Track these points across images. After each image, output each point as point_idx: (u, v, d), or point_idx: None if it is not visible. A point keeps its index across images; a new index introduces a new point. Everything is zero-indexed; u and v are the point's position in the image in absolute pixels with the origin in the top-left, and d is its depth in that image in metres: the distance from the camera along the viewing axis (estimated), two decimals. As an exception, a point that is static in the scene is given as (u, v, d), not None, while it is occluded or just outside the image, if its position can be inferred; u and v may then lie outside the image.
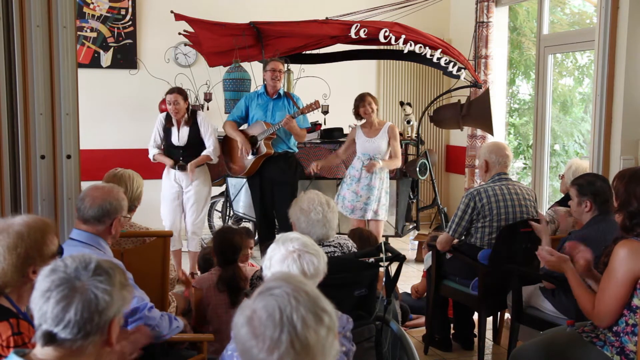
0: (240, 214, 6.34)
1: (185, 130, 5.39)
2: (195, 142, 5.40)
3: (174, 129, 5.41)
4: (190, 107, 5.51)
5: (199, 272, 4.32)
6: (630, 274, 2.55)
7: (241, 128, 5.53)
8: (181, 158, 5.39)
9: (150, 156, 5.49)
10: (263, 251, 2.37)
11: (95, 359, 1.56)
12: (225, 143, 5.65)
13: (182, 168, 5.38)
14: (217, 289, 3.46)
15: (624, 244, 2.61)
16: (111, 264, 1.59)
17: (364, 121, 5.55)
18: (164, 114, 5.49)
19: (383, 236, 6.05)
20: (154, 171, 5.60)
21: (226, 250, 3.56)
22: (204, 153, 5.39)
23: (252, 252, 3.72)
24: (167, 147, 5.44)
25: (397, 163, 5.59)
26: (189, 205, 5.45)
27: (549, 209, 4.25)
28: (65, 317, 1.49)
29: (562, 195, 4.34)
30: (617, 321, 2.63)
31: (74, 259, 1.56)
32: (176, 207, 5.46)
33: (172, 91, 5.35)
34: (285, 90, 6.00)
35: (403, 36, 5.73)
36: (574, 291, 2.80)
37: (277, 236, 2.30)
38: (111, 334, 1.55)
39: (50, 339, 1.50)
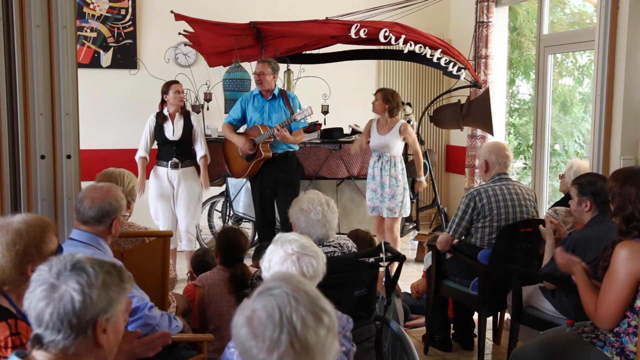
0: (240, 214, 6.35)
1: (180, 124, 5.41)
2: (188, 138, 5.43)
3: (168, 124, 5.42)
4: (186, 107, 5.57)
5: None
6: (631, 275, 2.54)
7: (239, 131, 5.52)
8: (174, 155, 5.40)
9: (137, 157, 5.46)
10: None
11: None
12: (225, 145, 5.64)
13: (176, 166, 5.39)
14: (226, 288, 3.48)
15: (624, 245, 2.60)
16: (98, 264, 1.55)
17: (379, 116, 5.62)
18: (154, 113, 5.51)
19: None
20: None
21: (231, 250, 3.59)
22: (200, 156, 5.45)
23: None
24: (161, 143, 5.45)
25: (420, 159, 5.66)
26: (181, 205, 5.46)
27: (549, 209, 4.24)
28: (44, 319, 1.47)
29: (562, 195, 4.33)
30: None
31: (60, 259, 1.54)
32: (169, 207, 5.47)
33: (176, 81, 5.47)
34: (284, 88, 6.00)
35: (403, 36, 5.73)
36: (580, 292, 2.78)
37: (276, 236, 2.29)
38: (98, 335, 1.51)
39: (38, 341, 1.49)
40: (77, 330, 1.48)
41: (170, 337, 2.47)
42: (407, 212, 5.67)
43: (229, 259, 3.58)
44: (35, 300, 1.49)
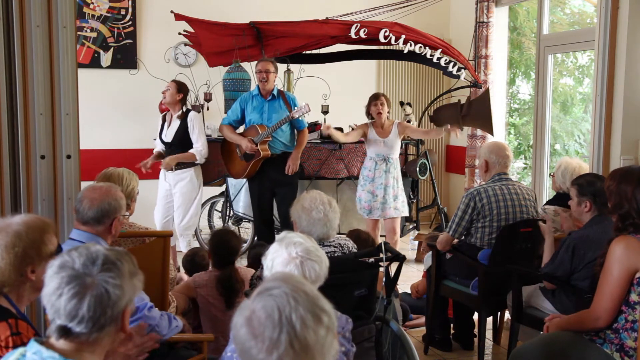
0: (240, 214, 6.34)
1: (174, 126, 5.39)
2: (182, 141, 5.37)
3: (165, 125, 5.46)
4: (186, 106, 5.53)
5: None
6: (626, 269, 2.58)
7: (237, 131, 5.51)
8: (167, 156, 5.42)
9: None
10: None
11: (110, 346, 1.61)
12: (223, 146, 5.63)
13: (169, 169, 5.41)
14: (215, 290, 3.47)
15: (619, 240, 2.64)
16: (118, 255, 1.61)
17: (373, 120, 5.64)
18: (164, 113, 5.58)
19: (382, 236, 6.06)
20: (152, 171, 5.62)
21: (223, 252, 3.57)
22: (190, 151, 5.37)
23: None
24: (163, 144, 5.51)
25: (430, 133, 5.94)
26: (176, 206, 5.48)
27: (541, 207, 4.23)
28: (79, 313, 1.52)
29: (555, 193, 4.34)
30: (617, 318, 2.64)
31: (80, 253, 1.57)
32: (166, 206, 5.52)
33: (170, 81, 5.50)
34: (284, 89, 6.00)
35: (403, 36, 5.73)
36: (571, 328, 2.83)
37: (280, 235, 2.26)
38: (124, 322, 1.59)
39: (65, 332, 1.54)
40: (111, 321, 1.56)
41: (158, 340, 2.49)
42: (407, 211, 5.77)
43: (220, 262, 3.57)
44: (66, 299, 1.52)
